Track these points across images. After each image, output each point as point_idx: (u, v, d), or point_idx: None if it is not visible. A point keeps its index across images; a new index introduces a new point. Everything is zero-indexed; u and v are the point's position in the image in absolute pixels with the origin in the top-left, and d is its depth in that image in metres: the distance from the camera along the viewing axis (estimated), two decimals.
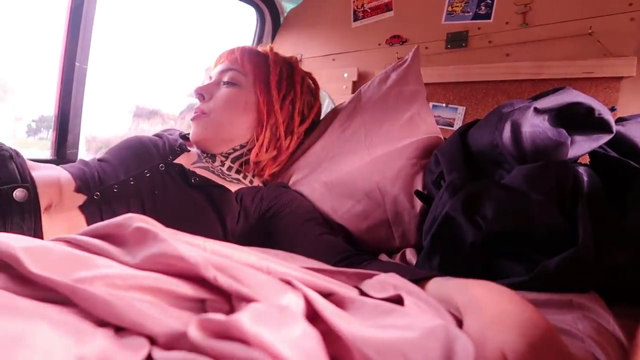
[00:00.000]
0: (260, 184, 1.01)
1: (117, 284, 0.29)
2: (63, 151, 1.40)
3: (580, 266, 0.52)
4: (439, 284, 0.48)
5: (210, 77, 1.04)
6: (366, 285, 0.36)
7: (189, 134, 1.02)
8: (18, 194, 0.69)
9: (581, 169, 0.65)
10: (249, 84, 0.99)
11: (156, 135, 1.03)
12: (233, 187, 0.91)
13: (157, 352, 0.23)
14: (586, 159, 0.76)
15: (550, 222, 0.57)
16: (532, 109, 0.70)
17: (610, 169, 0.68)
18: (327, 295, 0.34)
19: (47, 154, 1.46)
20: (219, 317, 0.23)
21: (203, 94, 0.99)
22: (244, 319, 0.22)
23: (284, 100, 1.01)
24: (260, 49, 1.08)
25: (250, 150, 1.00)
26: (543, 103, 0.71)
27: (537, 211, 0.58)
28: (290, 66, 1.06)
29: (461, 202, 0.66)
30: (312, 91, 1.10)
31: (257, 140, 0.99)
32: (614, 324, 0.47)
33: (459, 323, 0.36)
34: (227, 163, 0.99)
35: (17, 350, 0.18)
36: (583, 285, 0.54)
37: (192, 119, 0.99)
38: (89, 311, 0.27)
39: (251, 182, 1.00)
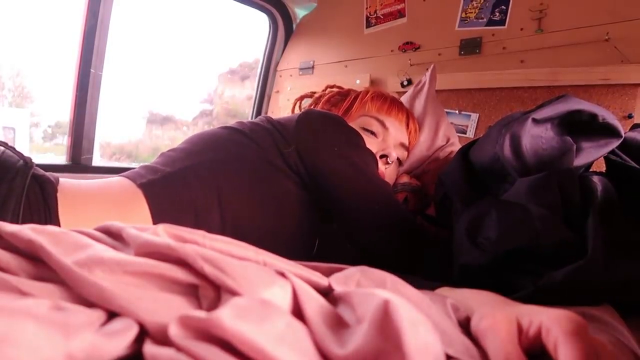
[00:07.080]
0: None
1: (114, 269, 0.29)
2: (78, 156, 1.43)
3: (589, 279, 0.50)
4: (447, 292, 0.48)
5: (386, 127, 1.02)
6: (333, 278, 0.36)
7: None
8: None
9: (595, 178, 0.62)
10: None
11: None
12: None
13: (148, 346, 0.23)
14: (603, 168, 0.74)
15: (556, 235, 0.55)
16: (530, 120, 0.68)
17: (628, 178, 0.65)
18: (325, 293, 0.34)
19: (63, 159, 1.49)
20: (200, 314, 0.23)
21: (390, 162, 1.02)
22: (224, 315, 0.22)
23: None
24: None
25: None
26: (542, 113, 0.69)
27: (541, 226, 0.56)
28: None
29: (464, 229, 0.65)
30: None
31: None
32: (629, 337, 0.45)
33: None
34: None
35: (2, 350, 0.18)
36: (592, 298, 0.52)
37: None
38: (82, 296, 0.28)
39: None
